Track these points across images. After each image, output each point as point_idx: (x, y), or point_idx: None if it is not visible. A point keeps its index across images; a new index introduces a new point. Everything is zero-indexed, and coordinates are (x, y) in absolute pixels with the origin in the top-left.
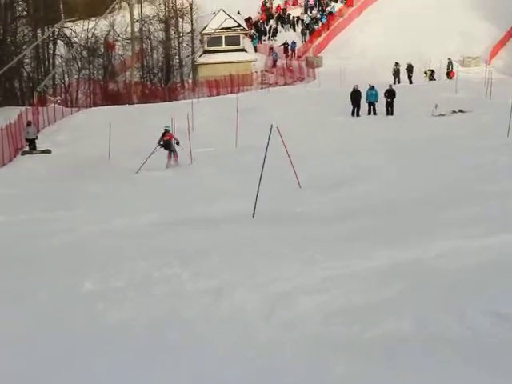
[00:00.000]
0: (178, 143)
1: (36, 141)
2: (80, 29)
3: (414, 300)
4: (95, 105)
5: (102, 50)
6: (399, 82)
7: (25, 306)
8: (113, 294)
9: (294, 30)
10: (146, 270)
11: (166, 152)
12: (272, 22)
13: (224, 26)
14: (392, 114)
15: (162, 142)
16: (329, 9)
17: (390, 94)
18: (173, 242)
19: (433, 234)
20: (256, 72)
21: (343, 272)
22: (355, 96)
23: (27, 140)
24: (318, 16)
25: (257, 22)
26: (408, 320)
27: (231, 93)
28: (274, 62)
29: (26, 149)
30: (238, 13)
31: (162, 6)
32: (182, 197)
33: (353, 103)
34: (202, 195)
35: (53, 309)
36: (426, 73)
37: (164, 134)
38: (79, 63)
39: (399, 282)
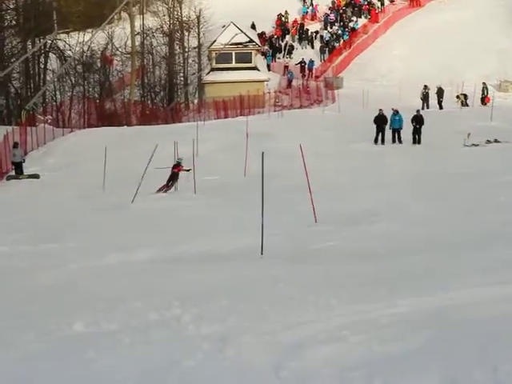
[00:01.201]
0: (188, 170)
1: (23, 164)
2: (75, 41)
3: (442, 352)
4: (90, 126)
5: (99, 65)
6: (428, 108)
7: (8, 348)
8: (104, 338)
9: (312, 47)
10: (142, 312)
11: (165, 179)
12: (288, 38)
13: (234, 41)
14: (419, 142)
15: (170, 172)
16: (351, 24)
17: (418, 120)
18: (172, 281)
19: (462, 279)
20: (269, 93)
21: (361, 319)
22: (380, 122)
23: (13, 163)
24: (339, 32)
25: (271, 37)
26: (435, 375)
27: (241, 115)
28: (289, 82)
29: (12, 173)
30: (253, 26)
31: (166, 18)
32: (184, 230)
33: (377, 129)
34: (206, 229)
35: (39, 352)
36: (458, 97)
37: (174, 166)
38: (73, 79)
39: (425, 332)
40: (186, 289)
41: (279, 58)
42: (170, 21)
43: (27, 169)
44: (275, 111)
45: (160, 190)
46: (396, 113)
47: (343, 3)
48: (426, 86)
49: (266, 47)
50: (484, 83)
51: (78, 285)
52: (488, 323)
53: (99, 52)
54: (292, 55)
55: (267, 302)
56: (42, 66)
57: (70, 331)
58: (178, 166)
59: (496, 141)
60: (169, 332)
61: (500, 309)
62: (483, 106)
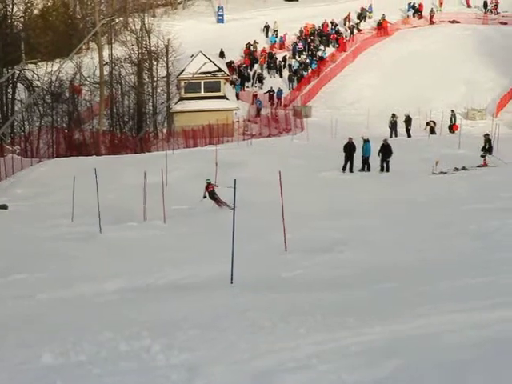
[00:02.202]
0: (217, 186)
1: None
2: (43, 71)
3: (411, 380)
4: (58, 156)
5: (67, 94)
6: (396, 136)
7: None
8: (74, 370)
9: (281, 76)
10: (112, 343)
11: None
12: (256, 67)
13: (203, 70)
14: (388, 170)
15: (205, 195)
16: (319, 53)
17: (386, 150)
18: (142, 311)
19: (431, 306)
20: (238, 122)
21: (331, 347)
22: (349, 150)
23: None
24: (308, 61)
25: (239, 66)
26: None
27: (210, 144)
28: (258, 110)
29: None
30: (221, 54)
31: (135, 48)
32: (153, 260)
33: (346, 158)
34: (176, 258)
35: None
36: (428, 123)
37: (207, 187)
38: (41, 109)
39: (394, 360)
40: (155, 319)
41: (248, 87)
42: (138, 50)
43: None
44: (244, 140)
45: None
46: (366, 141)
47: (310, 31)
48: (393, 115)
49: (235, 76)
50: (452, 111)
51: (46, 315)
52: (455, 350)
53: (68, 82)
54: (263, 84)
55: (236, 331)
56: (10, 97)
57: (38, 362)
58: (209, 185)
59: (464, 168)
60: (138, 362)
61: (467, 336)
62: (451, 133)
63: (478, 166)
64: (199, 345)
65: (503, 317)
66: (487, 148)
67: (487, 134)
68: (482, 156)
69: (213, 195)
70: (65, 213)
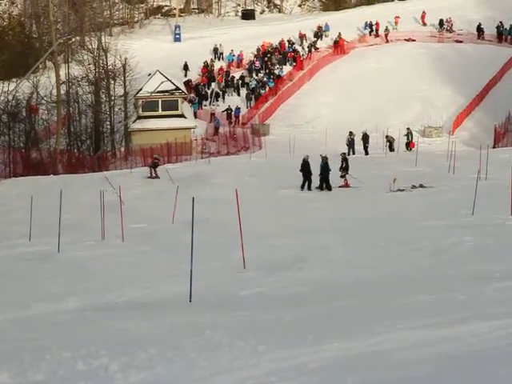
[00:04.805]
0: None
1: None
2: None
3: None
4: (15, 175)
5: (24, 114)
6: (354, 153)
7: None
8: None
9: (239, 95)
10: (70, 362)
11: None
12: (214, 86)
13: (161, 88)
14: (329, 189)
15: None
16: (277, 72)
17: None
18: (100, 330)
19: (389, 323)
20: (196, 140)
21: (290, 364)
22: (306, 168)
23: None
24: (265, 79)
25: (197, 84)
26: None
27: (168, 163)
28: (216, 129)
29: None
30: (185, 66)
31: (92, 67)
32: (112, 279)
33: (303, 176)
34: (134, 276)
35: None
36: (387, 136)
37: (153, 159)
38: None
39: (352, 376)
40: (114, 337)
41: (205, 106)
42: (95, 69)
43: None
44: (202, 158)
45: (152, 175)
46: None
47: (268, 50)
48: (351, 133)
49: (193, 95)
50: (408, 129)
51: (3, 336)
52: (412, 367)
53: (24, 101)
54: (224, 101)
55: (195, 349)
56: None
57: None
58: (156, 159)
59: (421, 186)
60: (96, 381)
61: (423, 352)
62: (408, 151)
63: (340, 187)
64: (158, 363)
65: (459, 333)
66: (344, 167)
67: (344, 153)
68: (342, 176)
69: (155, 165)
70: (22, 232)
